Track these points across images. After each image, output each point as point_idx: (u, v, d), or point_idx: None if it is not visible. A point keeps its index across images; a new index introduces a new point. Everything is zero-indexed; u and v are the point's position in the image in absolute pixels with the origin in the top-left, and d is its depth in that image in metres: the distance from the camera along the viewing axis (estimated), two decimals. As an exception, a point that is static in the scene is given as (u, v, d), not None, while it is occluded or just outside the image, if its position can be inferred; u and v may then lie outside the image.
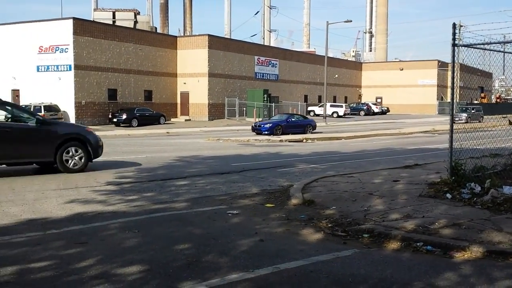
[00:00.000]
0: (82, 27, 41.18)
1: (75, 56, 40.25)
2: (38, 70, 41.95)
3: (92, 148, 13.35)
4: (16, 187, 10.47)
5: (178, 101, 50.89)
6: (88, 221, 7.53)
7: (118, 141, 26.16)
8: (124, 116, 39.72)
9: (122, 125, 39.25)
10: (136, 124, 40.15)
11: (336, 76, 70.90)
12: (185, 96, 50.58)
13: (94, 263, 5.50)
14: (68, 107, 40.48)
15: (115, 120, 40.29)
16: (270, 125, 30.36)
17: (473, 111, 47.81)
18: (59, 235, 6.76)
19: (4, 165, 12.88)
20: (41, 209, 8.38)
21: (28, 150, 12.57)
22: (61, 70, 40.79)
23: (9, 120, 13.03)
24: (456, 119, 46.67)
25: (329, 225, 7.20)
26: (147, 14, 77.96)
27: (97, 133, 14.68)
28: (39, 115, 14.20)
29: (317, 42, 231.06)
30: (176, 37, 53.22)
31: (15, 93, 43.57)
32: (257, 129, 30.32)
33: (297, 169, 13.97)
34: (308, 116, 41.48)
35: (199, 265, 5.45)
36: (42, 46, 41.49)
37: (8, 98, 43.66)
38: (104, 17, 56.80)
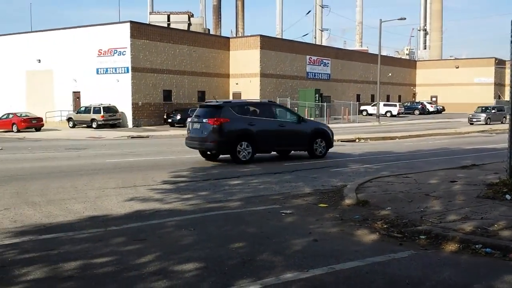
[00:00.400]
0: (138, 30, 42.40)
1: (132, 59, 41.49)
2: (97, 73, 43.54)
3: (330, 139, 16.88)
4: (78, 186, 10.93)
5: (231, 101, 51.40)
6: (146, 219, 7.77)
7: (173, 141, 26.76)
8: (179, 117, 40.53)
9: (176, 125, 40.05)
10: (190, 125, 40.95)
11: (390, 74, 69.51)
12: (237, 96, 51.04)
13: (152, 260, 5.66)
14: (125, 108, 41.81)
15: (169, 120, 41.22)
16: None
17: (493, 111, 43.52)
18: (119, 232, 7.00)
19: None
20: (102, 207, 8.71)
21: (293, 141, 16.18)
22: (119, 73, 42.17)
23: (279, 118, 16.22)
24: (473, 120, 42.84)
25: (385, 226, 7.10)
26: (200, 16, 79.21)
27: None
28: (299, 114, 17.65)
29: (370, 40, 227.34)
30: (228, 38, 53.84)
31: (76, 95, 45.43)
32: None
33: (350, 169, 13.83)
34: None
35: (253, 263, 5.51)
36: (101, 49, 43.04)
37: (69, 99, 45.67)
38: (159, 20, 58.28)
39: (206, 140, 14.92)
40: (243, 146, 14.85)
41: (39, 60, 46.65)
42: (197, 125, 15.37)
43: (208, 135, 14.79)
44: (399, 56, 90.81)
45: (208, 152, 15.92)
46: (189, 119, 16.82)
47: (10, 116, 39.22)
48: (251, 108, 15.97)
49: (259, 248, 6.11)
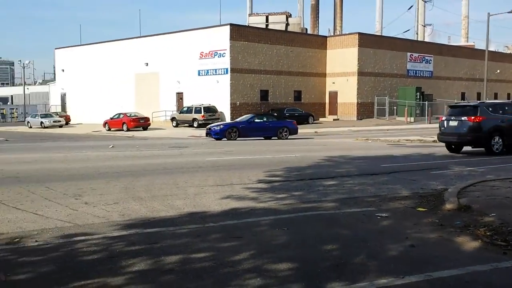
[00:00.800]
0: (238, 32, 43.54)
1: (231, 60, 42.69)
2: (199, 74, 45.37)
3: None
4: (179, 183, 11.47)
5: (327, 100, 51.07)
6: (242, 217, 7.96)
7: (269, 140, 27.13)
8: (275, 116, 41.00)
9: (273, 125, 40.52)
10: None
11: (498, 71, 64.95)
12: (333, 95, 50.57)
13: (247, 257, 5.80)
14: (224, 107, 43.11)
15: (266, 120, 41.84)
16: (221, 127, 27.54)
17: None
18: (216, 228, 7.25)
19: None
20: (201, 203, 9.07)
21: None
22: (218, 74, 43.61)
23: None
24: None
25: (488, 233, 6.71)
26: (298, 15, 79.39)
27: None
28: None
29: (477, 35, 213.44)
30: (326, 37, 53.45)
31: (179, 95, 47.64)
32: (209, 133, 27.86)
33: (452, 171, 13.19)
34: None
35: (347, 267, 5.45)
36: (202, 52, 44.79)
37: (173, 100, 47.99)
38: (258, 21, 59.33)
39: (465, 135, 17.28)
40: (496, 140, 17.12)
41: (147, 63, 49.53)
42: (453, 123, 17.73)
43: (468, 130, 17.14)
44: (508, 52, 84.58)
45: (453, 146, 18.29)
46: (443, 117, 18.99)
47: (121, 116, 42.20)
48: (500, 107, 17.89)
49: (353, 251, 6.04)
